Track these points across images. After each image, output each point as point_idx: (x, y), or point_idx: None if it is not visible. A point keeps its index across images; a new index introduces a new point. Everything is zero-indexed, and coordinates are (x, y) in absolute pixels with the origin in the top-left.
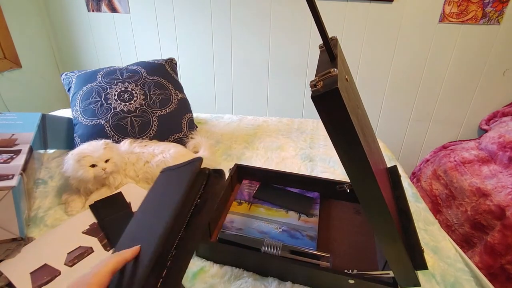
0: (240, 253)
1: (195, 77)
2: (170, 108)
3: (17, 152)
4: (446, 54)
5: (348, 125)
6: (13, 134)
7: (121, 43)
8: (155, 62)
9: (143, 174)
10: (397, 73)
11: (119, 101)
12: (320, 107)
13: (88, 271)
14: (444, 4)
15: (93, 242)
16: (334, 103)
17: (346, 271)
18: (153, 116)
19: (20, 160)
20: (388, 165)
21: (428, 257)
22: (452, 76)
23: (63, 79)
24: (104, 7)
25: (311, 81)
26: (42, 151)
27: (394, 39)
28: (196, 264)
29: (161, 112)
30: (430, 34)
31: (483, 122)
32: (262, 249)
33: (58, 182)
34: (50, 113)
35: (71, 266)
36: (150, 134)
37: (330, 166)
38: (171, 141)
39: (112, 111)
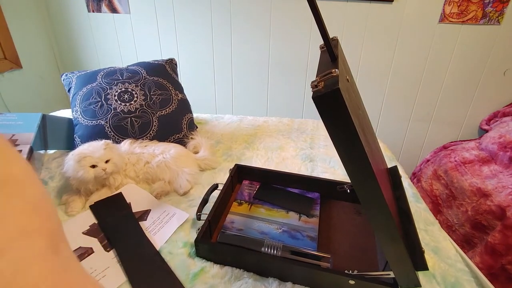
0: (240, 254)
1: (195, 77)
2: (170, 109)
3: None
4: (446, 54)
5: (349, 126)
6: (13, 135)
7: (121, 43)
8: (155, 62)
9: (144, 175)
10: (397, 73)
11: (119, 102)
12: (321, 108)
13: None
14: (444, 4)
15: (94, 242)
16: (335, 103)
17: (346, 271)
18: (153, 116)
19: None
20: (389, 166)
21: (429, 257)
22: (452, 76)
23: (64, 80)
24: (104, 7)
25: (312, 82)
26: (42, 152)
27: (394, 39)
28: (196, 264)
29: (161, 112)
30: (430, 34)
31: (483, 122)
32: (263, 249)
33: (58, 183)
34: (51, 114)
35: None
36: (150, 134)
37: (330, 167)
38: (171, 142)
39: (112, 111)
